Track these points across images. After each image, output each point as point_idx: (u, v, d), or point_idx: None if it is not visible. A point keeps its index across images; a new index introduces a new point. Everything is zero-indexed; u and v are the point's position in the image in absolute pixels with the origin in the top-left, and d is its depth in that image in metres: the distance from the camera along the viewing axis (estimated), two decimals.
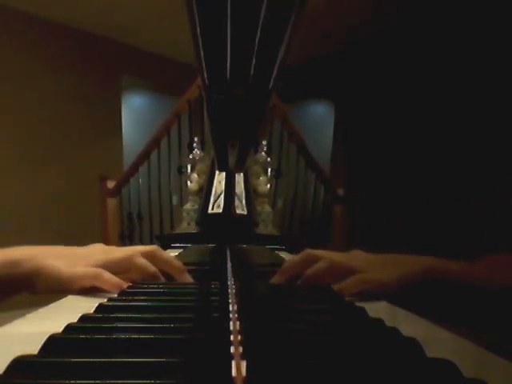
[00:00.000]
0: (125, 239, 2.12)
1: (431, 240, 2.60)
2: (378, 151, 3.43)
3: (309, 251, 0.47)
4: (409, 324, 0.30)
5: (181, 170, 1.94)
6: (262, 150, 1.58)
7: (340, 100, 3.79)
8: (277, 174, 2.02)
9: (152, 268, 0.45)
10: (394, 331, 0.25)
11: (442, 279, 0.40)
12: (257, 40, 0.22)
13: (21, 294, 0.41)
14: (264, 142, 1.65)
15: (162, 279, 0.45)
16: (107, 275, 0.39)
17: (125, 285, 0.40)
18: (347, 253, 0.47)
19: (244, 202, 1.09)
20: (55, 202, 3.12)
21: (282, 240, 1.17)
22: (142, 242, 2.09)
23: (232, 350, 0.21)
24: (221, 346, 0.21)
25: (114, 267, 0.42)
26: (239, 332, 0.25)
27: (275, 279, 0.46)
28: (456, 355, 0.20)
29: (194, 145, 1.62)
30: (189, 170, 1.50)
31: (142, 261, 0.45)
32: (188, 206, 1.33)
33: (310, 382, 0.17)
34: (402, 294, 0.39)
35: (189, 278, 0.46)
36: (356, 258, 0.45)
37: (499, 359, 0.22)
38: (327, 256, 0.45)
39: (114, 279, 0.40)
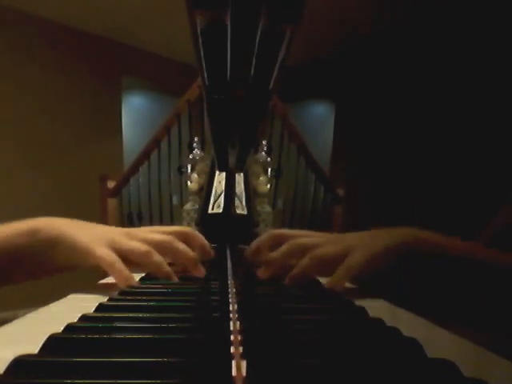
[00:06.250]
0: None
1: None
2: (379, 151, 3.43)
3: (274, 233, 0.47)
4: (409, 324, 0.30)
5: (181, 170, 1.94)
6: (262, 150, 1.58)
7: (340, 100, 3.78)
8: (277, 174, 2.01)
9: (190, 253, 0.42)
10: (395, 331, 0.25)
11: (427, 251, 0.38)
12: (257, 40, 0.22)
13: (36, 278, 0.40)
14: (264, 142, 1.65)
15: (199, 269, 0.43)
16: (119, 267, 0.38)
17: (133, 281, 0.38)
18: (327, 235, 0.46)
19: (244, 202, 1.09)
20: (55, 201, 3.11)
21: None
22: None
23: (232, 349, 0.21)
24: (221, 346, 0.21)
25: (137, 256, 0.39)
26: (239, 332, 0.25)
27: (261, 273, 0.45)
28: (456, 355, 0.20)
29: (194, 145, 1.62)
30: (189, 170, 1.50)
31: (180, 246, 0.42)
32: (188, 205, 1.33)
33: (310, 382, 0.17)
34: (388, 272, 0.39)
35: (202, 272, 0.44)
36: (325, 237, 0.44)
37: (499, 359, 0.22)
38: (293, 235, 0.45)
39: (125, 273, 0.38)
